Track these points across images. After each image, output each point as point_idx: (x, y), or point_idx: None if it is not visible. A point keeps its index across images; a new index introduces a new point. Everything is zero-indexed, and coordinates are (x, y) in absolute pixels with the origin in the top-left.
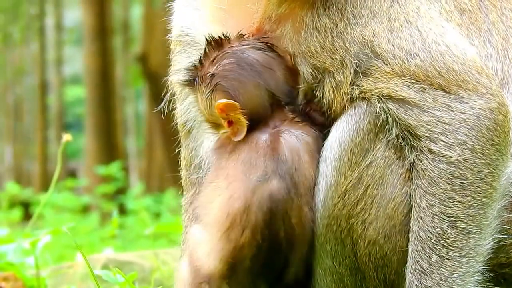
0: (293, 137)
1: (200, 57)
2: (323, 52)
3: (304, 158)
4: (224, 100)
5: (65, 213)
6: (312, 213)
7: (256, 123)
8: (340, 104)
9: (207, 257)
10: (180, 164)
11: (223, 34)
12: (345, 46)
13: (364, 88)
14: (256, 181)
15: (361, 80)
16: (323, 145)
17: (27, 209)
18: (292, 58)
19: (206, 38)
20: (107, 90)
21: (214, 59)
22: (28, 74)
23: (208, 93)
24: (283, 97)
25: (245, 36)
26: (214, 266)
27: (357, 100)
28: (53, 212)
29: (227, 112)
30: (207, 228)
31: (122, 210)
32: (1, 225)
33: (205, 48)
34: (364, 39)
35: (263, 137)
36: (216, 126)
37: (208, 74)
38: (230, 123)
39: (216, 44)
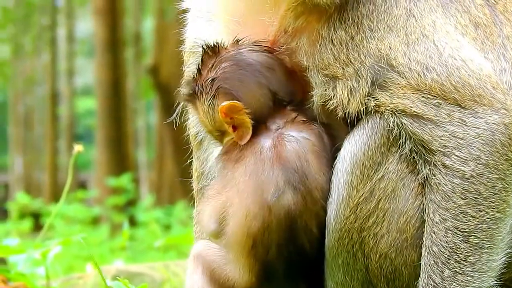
0: (298, 141)
1: (198, 66)
2: (335, 63)
3: (311, 161)
4: (227, 102)
5: (75, 224)
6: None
7: (259, 124)
8: (354, 109)
9: (236, 275)
10: (192, 175)
11: (218, 41)
12: (360, 58)
13: (379, 102)
14: (271, 198)
15: (377, 93)
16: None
17: (37, 219)
18: (292, 63)
19: (202, 47)
20: (118, 102)
21: (213, 65)
22: (39, 85)
23: (209, 99)
24: (285, 97)
25: (241, 41)
26: (248, 280)
27: (371, 113)
28: (63, 223)
29: (231, 115)
30: (229, 249)
31: (133, 222)
32: (11, 235)
33: (202, 57)
34: (380, 52)
35: (267, 143)
36: (220, 135)
37: (208, 80)
38: (234, 127)
39: (212, 51)
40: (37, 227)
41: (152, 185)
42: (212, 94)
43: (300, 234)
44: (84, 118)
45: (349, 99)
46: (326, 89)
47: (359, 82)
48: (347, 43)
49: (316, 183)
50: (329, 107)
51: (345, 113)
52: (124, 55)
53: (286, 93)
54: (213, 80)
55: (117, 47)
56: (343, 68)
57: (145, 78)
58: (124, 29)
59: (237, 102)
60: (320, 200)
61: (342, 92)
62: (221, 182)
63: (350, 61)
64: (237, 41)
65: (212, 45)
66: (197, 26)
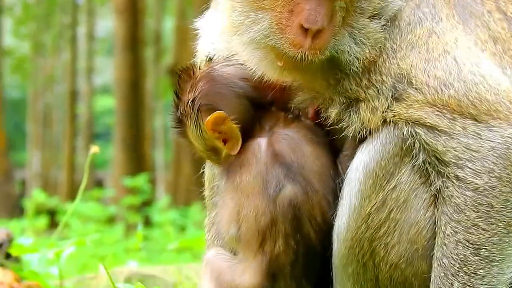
0: (290, 136)
1: (177, 93)
2: (357, 88)
3: (307, 151)
4: (211, 116)
5: (90, 223)
6: (330, 206)
7: (249, 131)
8: (375, 126)
9: (241, 277)
10: (204, 183)
11: (191, 64)
12: (382, 79)
13: (394, 113)
14: (273, 192)
15: (393, 105)
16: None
17: (53, 216)
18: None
19: (176, 72)
20: (137, 101)
21: (190, 87)
22: (58, 83)
23: (194, 121)
24: (265, 101)
25: (213, 59)
26: (254, 282)
27: (389, 123)
28: (79, 221)
29: (218, 128)
30: (241, 249)
31: (148, 222)
32: (26, 233)
33: (178, 83)
34: (401, 71)
35: (263, 143)
36: (215, 154)
37: (189, 103)
38: (224, 141)
39: (187, 75)
40: (53, 224)
41: (169, 186)
42: (195, 115)
43: (305, 222)
44: (102, 116)
45: (370, 118)
46: (348, 113)
47: (380, 100)
48: (369, 68)
49: (314, 174)
50: (350, 131)
51: (366, 126)
52: (144, 54)
53: (264, 97)
54: (193, 101)
55: (137, 46)
56: (364, 92)
57: (164, 78)
58: (144, 28)
59: (220, 112)
60: (321, 190)
61: (365, 113)
62: (231, 189)
63: (372, 83)
64: (210, 59)
65: (186, 69)
66: (209, 40)
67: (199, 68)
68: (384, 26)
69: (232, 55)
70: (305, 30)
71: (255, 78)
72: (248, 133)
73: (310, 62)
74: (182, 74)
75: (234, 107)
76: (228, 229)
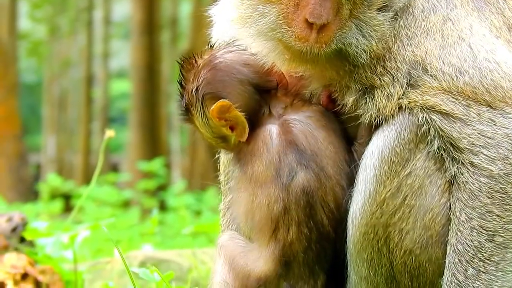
0: (301, 122)
1: (181, 82)
2: (372, 75)
3: (319, 137)
4: (215, 104)
5: (105, 207)
6: (343, 192)
7: (256, 117)
8: (390, 112)
9: (255, 263)
10: (219, 169)
11: (192, 52)
12: (397, 66)
13: (410, 99)
14: (286, 180)
15: (408, 92)
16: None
17: (68, 200)
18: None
19: (177, 62)
20: (153, 86)
21: (193, 76)
22: (74, 66)
23: (200, 109)
24: (269, 85)
25: (214, 47)
26: (267, 268)
27: (404, 110)
28: (94, 205)
29: (224, 116)
30: (254, 237)
31: (163, 207)
32: (41, 217)
33: (181, 72)
34: (416, 58)
35: (274, 131)
36: (224, 142)
37: (192, 92)
38: (232, 128)
39: (189, 64)
40: (68, 208)
41: (184, 170)
42: (200, 104)
43: (318, 209)
44: (118, 101)
45: (386, 105)
46: (364, 100)
47: (395, 87)
48: (384, 56)
49: (327, 159)
50: (365, 118)
51: (381, 113)
52: (160, 39)
53: (267, 82)
54: (197, 90)
55: (153, 30)
56: (380, 79)
57: None
58: (161, 12)
59: (224, 100)
60: (334, 176)
61: (381, 99)
62: (244, 181)
63: (387, 71)
64: (211, 47)
65: (187, 58)
66: (223, 27)
67: (201, 56)
68: (392, 19)
69: (234, 41)
70: (311, 24)
71: (258, 63)
72: (256, 119)
73: (316, 55)
74: (184, 63)
75: (238, 94)
76: (246, 222)
